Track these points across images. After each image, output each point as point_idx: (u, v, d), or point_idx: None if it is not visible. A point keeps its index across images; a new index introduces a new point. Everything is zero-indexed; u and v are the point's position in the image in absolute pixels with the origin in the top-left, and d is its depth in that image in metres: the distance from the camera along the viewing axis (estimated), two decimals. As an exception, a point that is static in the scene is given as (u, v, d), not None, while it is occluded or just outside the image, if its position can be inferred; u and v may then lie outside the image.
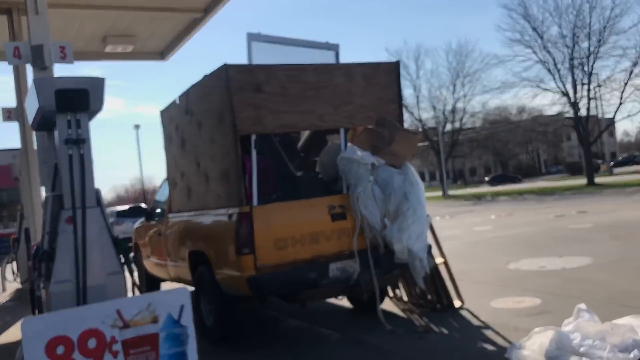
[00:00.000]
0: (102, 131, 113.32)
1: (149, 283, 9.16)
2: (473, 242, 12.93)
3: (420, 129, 51.75)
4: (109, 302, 3.95)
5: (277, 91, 5.75)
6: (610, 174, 50.35)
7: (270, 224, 5.55)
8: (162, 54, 15.05)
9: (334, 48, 6.93)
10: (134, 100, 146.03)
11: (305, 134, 7.42)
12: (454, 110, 51.35)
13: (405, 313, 6.78)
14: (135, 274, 7.39)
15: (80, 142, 4.04)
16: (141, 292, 9.17)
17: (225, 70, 5.56)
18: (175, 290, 4.69)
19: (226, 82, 5.55)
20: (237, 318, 6.16)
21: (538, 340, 4.51)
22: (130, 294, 5.45)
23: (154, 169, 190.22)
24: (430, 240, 6.57)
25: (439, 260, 6.83)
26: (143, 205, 9.90)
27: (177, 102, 6.93)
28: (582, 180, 38.59)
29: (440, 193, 48.30)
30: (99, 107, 4.21)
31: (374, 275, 5.81)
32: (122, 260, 4.38)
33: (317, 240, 5.73)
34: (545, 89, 39.66)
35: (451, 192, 50.22)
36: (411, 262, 5.88)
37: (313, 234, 5.72)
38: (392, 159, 6.10)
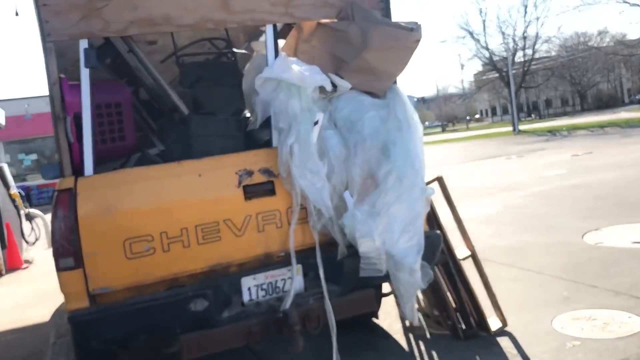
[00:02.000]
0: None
1: None
2: (539, 194, 9.82)
3: (487, 60, 47.26)
4: None
5: (128, -44, 3.02)
6: None
7: (114, 210, 2.92)
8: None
9: None
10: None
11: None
12: (525, 37, 46.40)
13: (408, 336, 4.14)
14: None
15: None
16: None
17: None
18: None
19: None
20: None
21: None
22: None
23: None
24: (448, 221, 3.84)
25: (462, 253, 4.04)
26: None
27: None
28: (676, 110, 33.81)
29: (510, 128, 44.04)
30: None
31: (326, 296, 3.13)
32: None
33: (215, 237, 3.08)
34: (634, 4, 34.21)
35: (523, 127, 45.73)
36: (393, 275, 3.11)
37: (208, 226, 3.07)
38: (364, 80, 3.32)
